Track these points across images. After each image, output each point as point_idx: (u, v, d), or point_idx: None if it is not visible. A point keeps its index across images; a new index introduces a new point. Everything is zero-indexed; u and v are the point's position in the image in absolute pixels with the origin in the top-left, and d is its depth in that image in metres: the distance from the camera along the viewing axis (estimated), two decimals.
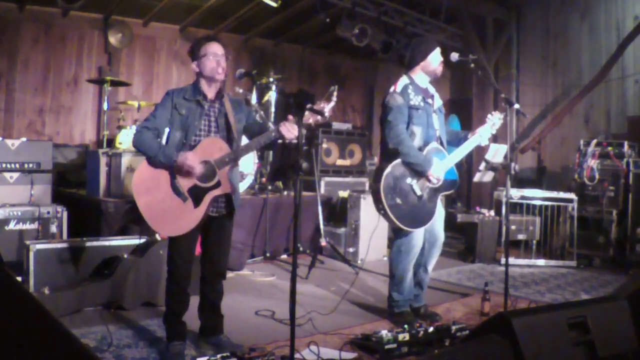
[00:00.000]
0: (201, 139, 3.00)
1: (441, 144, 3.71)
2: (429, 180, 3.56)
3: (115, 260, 3.88)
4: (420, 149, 3.58)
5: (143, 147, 2.92)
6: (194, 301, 3.18)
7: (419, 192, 3.56)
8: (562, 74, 7.75)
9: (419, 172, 3.55)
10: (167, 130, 3.03)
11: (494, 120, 3.73)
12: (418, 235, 3.64)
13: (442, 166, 3.60)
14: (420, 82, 3.71)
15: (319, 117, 2.92)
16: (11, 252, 4.31)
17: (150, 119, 2.98)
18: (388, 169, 3.51)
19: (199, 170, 2.92)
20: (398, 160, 3.54)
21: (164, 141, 3.02)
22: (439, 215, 3.78)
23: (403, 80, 3.68)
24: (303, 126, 2.81)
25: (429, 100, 3.69)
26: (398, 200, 3.51)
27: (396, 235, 3.71)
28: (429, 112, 3.66)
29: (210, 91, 3.06)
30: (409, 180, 3.55)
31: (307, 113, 2.92)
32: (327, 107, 2.95)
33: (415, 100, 3.61)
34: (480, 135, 3.69)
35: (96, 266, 3.99)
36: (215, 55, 3.01)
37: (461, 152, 3.69)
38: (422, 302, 3.88)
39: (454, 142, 3.82)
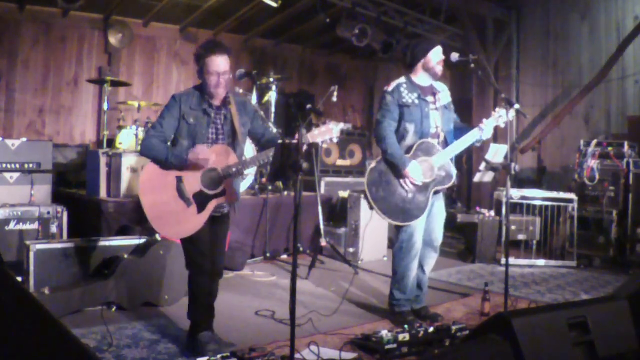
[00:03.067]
0: (208, 146, 3.00)
1: (445, 140, 3.67)
2: (405, 179, 3.54)
3: (115, 260, 3.87)
4: (412, 145, 3.58)
5: (152, 152, 2.93)
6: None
7: (406, 186, 3.56)
8: (562, 74, 7.74)
9: (398, 170, 3.55)
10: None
11: (501, 113, 3.55)
12: (419, 233, 3.64)
13: (427, 165, 3.56)
14: (421, 81, 3.69)
15: (328, 139, 2.95)
16: (11, 252, 4.30)
17: (156, 127, 2.97)
18: (372, 164, 3.65)
19: (214, 158, 2.92)
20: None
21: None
22: (439, 216, 3.77)
23: (399, 79, 3.69)
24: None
25: (428, 98, 3.66)
26: (382, 194, 3.57)
27: (397, 233, 3.71)
28: (424, 109, 3.62)
29: (216, 98, 3.06)
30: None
31: (316, 132, 2.94)
32: (336, 129, 2.96)
33: (408, 97, 3.60)
34: (481, 129, 3.55)
35: (96, 266, 3.99)
36: (216, 73, 2.96)
37: (458, 146, 3.60)
38: (423, 303, 3.87)
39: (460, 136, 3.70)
